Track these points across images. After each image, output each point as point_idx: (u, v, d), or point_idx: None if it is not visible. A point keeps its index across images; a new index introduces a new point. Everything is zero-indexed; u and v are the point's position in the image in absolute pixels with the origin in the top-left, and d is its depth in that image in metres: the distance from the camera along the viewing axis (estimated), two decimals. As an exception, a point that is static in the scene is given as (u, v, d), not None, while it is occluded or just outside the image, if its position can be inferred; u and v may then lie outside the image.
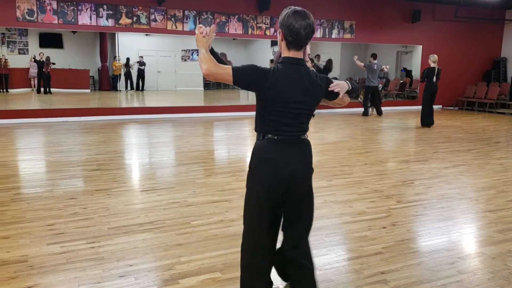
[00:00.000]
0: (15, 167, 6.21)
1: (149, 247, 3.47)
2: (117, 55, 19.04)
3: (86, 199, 4.64)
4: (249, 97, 18.30)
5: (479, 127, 11.05)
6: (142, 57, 18.76)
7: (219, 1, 12.09)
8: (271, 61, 13.87)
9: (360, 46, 17.92)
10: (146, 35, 18.13)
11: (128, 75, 18.70)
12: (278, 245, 2.56)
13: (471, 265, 3.31)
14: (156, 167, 6.40)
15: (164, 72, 20.34)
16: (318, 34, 13.36)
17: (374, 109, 12.78)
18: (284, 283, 2.85)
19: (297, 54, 2.29)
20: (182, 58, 20.61)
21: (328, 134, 9.58)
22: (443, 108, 15.35)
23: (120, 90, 18.83)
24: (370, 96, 12.53)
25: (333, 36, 13.44)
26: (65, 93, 16.39)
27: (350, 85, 2.48)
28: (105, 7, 10.97)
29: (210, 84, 21.32)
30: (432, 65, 10.33)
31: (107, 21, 11.07)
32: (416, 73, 15.45)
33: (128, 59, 18.55)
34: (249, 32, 12.57)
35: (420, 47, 14.96)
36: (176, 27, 11.77)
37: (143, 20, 11.40)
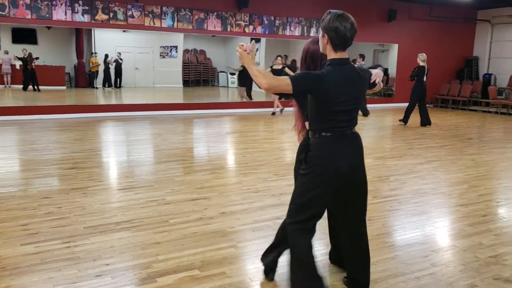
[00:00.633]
0: (-13, 166, 6.07)
1: (126, 246, 3.45)
2: (93, 51, 18.73)
3: (62, 198, 4.58)
4: (228, 95, 18.28)
5: (453, 124, 11.31)
6: (120, 53, 18.52)
7: (197, -3, 12.03)
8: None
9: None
10: (124, 31, 17.86)
11: (106, 72, 18.44)
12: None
13: (444, 257, 3.40)
14: (133, 165, 6.34)
15: (142, 68, 20.12)
16: (296, 32, 13.44)
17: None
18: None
19: (343, 55, 2.49)
20: (160, 55, 20.42)
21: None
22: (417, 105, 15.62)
23: (97, 87, 18.55)
24: None
25: (312, 34, 13.52)
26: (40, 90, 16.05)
27: (383, 71, 2.79)
28: (80, 2, 10.78)
29: (189, 81, 21.20)
30: (422, 64, 10.27)
31: (83, 16, 10.89)
32: (392, 71, 15.69)
33: (106, 56, 18.29)
34: (228, 29, 12.54)
35: (396, 46, 15.20)
36: (154, 24, 11.66)
37: (120, 16, 11.25)
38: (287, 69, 11.23)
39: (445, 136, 9.22)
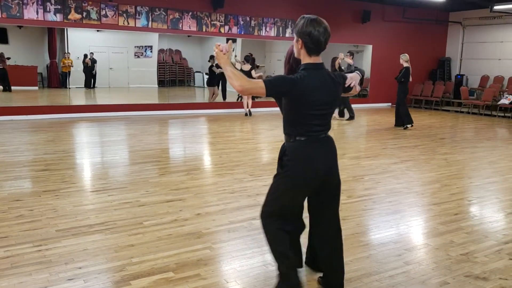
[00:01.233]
0: (-46, 168, 5.88)
1: (99, 248, 3.39)
2: (66, 51, 18.35)
3: (33, 200, 4.47)
4: (204, 95, 18.19)
5: (426, 124, 11.54)
6: (92, 53, 18.22)
7: (173, -3, 11.93)
8: (211, 57, 13.57)
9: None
10: (97, 31, 17.57)
11: (87, 72, 18.12)
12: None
13: (417, 256, 3.46)
14: (107, 166, 6.24)
15: (116, 68, 19.84)
16: (272, 33, 13.47)
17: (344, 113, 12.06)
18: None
19: (318, 59, 2.51)
20: (135, 55, 20.16)
21: (280, 132, 9.68)
22: (393, 105, 15.89)
23: (69, 88, 18.18)
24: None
25: (287, 35, 13.58)
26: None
27: (360, 74, 2.74)
28: (52, 1, 10.54)
29: (164, 81, 21.01)
30: (406, 64, 10.26)
31: (55, 16, 10.65)
32: (367, 72, 15.88)
33: (85, 55, 18.00)
34: (204, 29, 12.48)
35: (370, 47, 15.40)
36: (128, 23, 11.50)
37: (94, 15, 11.06)
38: (253, 72, 11.45)
39: (418, 136, 9.40)
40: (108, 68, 19.44)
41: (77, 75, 18.71)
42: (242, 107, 12.34)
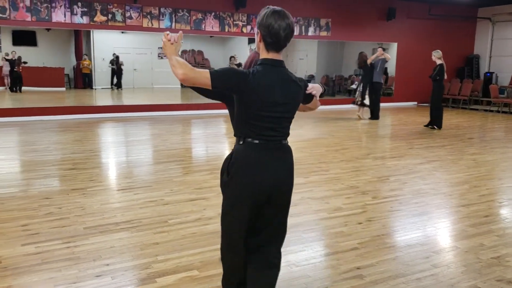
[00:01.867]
0: (-13, 167, 6.06)
1: (125, 246, 3.44)
2: (84, 53, 18.75)
3: (62, 198, 4.56)
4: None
5: (453, 123, 11.29)
6: (115, 54, 18.60)
7: (196, -2, 12.03)
8: (231, 57, 13.54)
9: (336, 43, 18.08)
10: (122, 32, 17.89)
11: (119, 73, 18.48)
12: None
13: (445, 259, 3.38)
14: (132, 165, 6.33)
15: (141, 69, 20.13)
16: (295, 31, 13.40)
17: (365, 110, 11.62)
18: None
19: (277, 56, 2.22)
20: (158, 56, 20.45)
21: (305, 131, 9.63)
22: (418, 104, 15.63)
23: (95, 88, 18.55)
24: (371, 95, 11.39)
25: (310, 33, 13.52)
26: (39, 92, 16.03)
27: (323, 88, 2.45)
28: (79, 4, 10.77)
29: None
30: (439, 61, 9.81)
31: (82, 18, 10.88)
32: (392, 70, 15.68)
33: (117, 57, 18.36)
34: (226, 30, 12.53)
35: (395, 45, 15.18)
36: (152, 25, 11.65)
37: (119, 17, 11.24)
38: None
39: (446, 136, 9.20)
40: (132, 69, 19.75)
41: (102, 76, 19.07)
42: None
